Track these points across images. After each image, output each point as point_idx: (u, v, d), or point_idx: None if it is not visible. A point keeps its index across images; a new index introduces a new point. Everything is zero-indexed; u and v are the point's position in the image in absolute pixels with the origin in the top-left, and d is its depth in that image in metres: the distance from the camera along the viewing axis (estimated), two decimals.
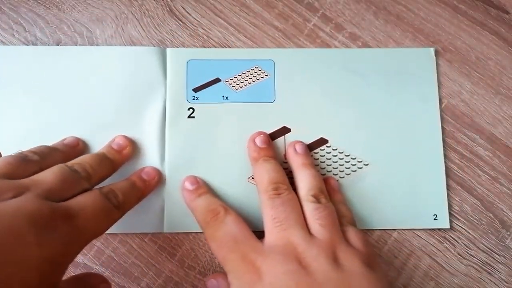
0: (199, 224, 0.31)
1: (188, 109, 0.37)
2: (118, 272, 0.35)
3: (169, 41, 0.38)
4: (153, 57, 0.37)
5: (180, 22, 0.39)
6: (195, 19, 0.39)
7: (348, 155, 0.36)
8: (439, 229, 0.35)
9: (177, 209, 0.35)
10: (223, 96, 0.37)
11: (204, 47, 0.38)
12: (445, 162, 0.37)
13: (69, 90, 0.36)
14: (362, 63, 0.38)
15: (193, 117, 0.36)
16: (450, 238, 0.35)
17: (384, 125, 0.37)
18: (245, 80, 0.37)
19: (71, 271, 0.34)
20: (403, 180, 0.36)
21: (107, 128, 0.35)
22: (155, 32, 0.38)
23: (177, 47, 0.38)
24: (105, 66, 0.36)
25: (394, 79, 0.38)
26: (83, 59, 0.37)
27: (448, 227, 0.35)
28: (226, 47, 0.38)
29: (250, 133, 0.36)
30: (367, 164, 0.36)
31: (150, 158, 0.35)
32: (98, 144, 0.35)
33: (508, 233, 0.36)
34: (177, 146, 0.36)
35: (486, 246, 0.35)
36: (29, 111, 0.36)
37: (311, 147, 0.36)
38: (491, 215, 0.36)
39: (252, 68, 0.38)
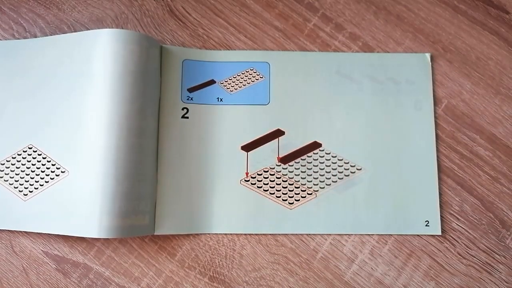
0: None
1: (182, 109, 0.37)
2: (118, 272, 0.35)
3: (169, 41, 0.38)
4: (150, 50, 0.35)
5: (180, 22, 0.39)
6: (195, 19, 0.39)
7: (341, 159, 0.36)
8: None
9: (168, 210, 0.35)
10: (218, 98, 0.37)
11: (204, 47, 0.38)
12: (445, 162, 0.37)
13: (53, 80, 0.36)
14: (356, 68, 0.38)
15: (187, 117, 0.36)
16: (450, 238, 0.35)
17: (377, 131, 0.37)
18: (240, 82, 0.37)
19: (71, 271, 0.35)
20: (396, 186, 0.36)
21: (98, 117, 0.33)
22: (155, 32, 0.38)
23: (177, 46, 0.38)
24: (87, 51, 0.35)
25: (388, 85, 0.38)
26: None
27: (440, 233, 0.35)
28: (226, 47, 0.38)
29: (244, 135, 0.36)
30: (360, 169, 0.36)
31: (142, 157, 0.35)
32: (87, 133, 0.33)
33: (508, 233, 0.36)
34: (169, 146, 0.36)
35: (486, 246, 0.35)
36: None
37: (304, 151, 0.36)
38: (491, 215, 0.36)
39: (247, 70, 0.38)
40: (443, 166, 0.36)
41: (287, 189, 0.36)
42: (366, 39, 0.39)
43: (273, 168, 0.36)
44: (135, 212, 0.33)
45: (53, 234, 0.35)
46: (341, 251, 0.35)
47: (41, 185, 0.35)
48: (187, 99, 0.37)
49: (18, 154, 0.35)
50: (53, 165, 0.35)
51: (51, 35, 0.38)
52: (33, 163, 0.35)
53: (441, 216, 0.36)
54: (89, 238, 0.35)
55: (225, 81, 0.37)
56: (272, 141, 0.37)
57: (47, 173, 0.35)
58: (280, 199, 0.36)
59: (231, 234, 0.35)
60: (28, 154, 0.35)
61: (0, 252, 0.35)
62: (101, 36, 0.34)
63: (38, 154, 0.35)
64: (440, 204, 0.36)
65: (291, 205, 0.36)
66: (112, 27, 0.38)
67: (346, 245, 0.35)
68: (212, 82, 0.37)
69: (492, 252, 0.35)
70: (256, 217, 0.35)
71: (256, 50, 0.38)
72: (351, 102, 0.37)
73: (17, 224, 0.35)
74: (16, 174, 0.35)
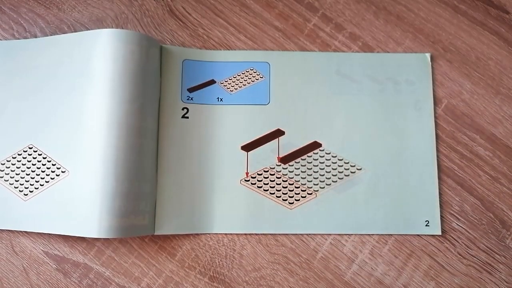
0: None
1: (182, 109, 0.37)
2: (118, 272, 0.35)
3: (169, 41, 0.38)
4: (150, 49, 0.35)
5: (180, 22, 0.39)
6: (195, 19, 0.39)
7: (341, 159, 0.36)
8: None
9: (168, 210, 0.35)
10: (218, 98, 0.37)
11: (204, 47, 0.38)
12: (445, 162, 0.37)
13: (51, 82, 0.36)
14: (356, 68, 0.38)
15: (187, 117, 0.36)
16: (450, 238, 0.35)
17: (377, 130, 0.37)
18: (240, 82, 0.37)
19: (71, 271, 0.35)
20: (396, 186, 0.36)
21: (95, 118, 0.33)
22: (155, 32, 0.38)
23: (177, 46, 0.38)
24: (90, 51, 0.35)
25: (388, 85, 0.38)
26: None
27: (440, 233, 0.35)
28: (226, 47, 0.38)
29: (244, 135, 0.36)
30: (360, 169, 0.36)
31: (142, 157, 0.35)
32: (87, 133, 0.33)
33: (508, 233, 0.36)
34: (169, 146, 0.36)
35: (486, 246, 0.35)
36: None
37: (304, 151, 0.36)
38: (491, 215, 0.36)
39: (247, 70, 0.38)
40: (443, 166, 0.37)
41: (287, 189, 0.36)
42: (366, 39, 0.39)
43: (273, 168, 0.36)
44: (135, 212, 0.33)
45: (53, 234, 0.35)
46: (341, 251, 0.35)
47: (41, 185, 0.35)
48: (187, 99, 0.37)
49: (18, 154, 0.35)
50: (53, 165, 0.35)
51: (51, 35, 0.38)
52: (33, 163, 0.35)
53: (441, 216, 0.36)
54: (89, 238, 0.35)
55: (225, 81, 0.37)
56: (272, 141, 0.37)
57: (47, 173, 0.35)
58: (280, 199, 0.36)
59: (231, 234, 0.35)
60: (28, 154, 0.35)
61: (0, 252, 0.35)
62: (101, 36, 0.34)
63: (38, 154, 0.35)
64: (440, 204, 0.36)
65: (291, 205, 0.36)
66: (112, 27, 0.38)
67: (346, 245, 0.35)
68: (212, 82, 0.37)
69: (492, 252, 0.35)
70: (256, 217, 0.35)
71: (256, 50, 0.38)
72: (351, 102, 0.37)
73: (17, 224, 0.35)
74: (16, 174, 0.35)
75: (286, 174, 0.36)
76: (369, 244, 0.35)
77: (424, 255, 0.35)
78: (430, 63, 0.38)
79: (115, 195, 0.32)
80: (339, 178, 0.36)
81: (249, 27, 0.39)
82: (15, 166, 0.35)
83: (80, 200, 0.33)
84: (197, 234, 0.35)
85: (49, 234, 0.35)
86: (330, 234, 0.35)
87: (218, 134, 0.36)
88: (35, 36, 0.38)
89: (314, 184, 0.36)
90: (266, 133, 0.37)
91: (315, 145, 0.37)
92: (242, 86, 0.37)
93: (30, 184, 0.35)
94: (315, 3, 0.39)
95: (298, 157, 0.36)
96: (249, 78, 0.38)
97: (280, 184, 0.36)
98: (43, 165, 0.35)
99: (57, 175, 0.34)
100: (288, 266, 0.35)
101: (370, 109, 0.37)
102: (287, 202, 0.36)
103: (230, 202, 0.35)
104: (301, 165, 0.36)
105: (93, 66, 0.34)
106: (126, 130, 0.33)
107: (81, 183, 0.33)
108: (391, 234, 0.35)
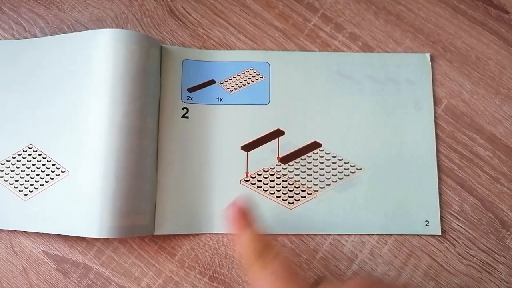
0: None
1: (182, 109, 0.37)
2: (118, 272, 0.35)
3: (169, 41, 0.38)
4: (151, 49, 0.36)
5: (180, 22, 0.39)
6: (195, 19, 0.39)
7: (341, 159, 0.36)
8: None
9: (168, 210, 0.35)
10: (218, 98, 0.37)
11: (204, 47, 0.38)
12: (445, 162, 0.37)
13: (53, 82, 0.36)
14: (356, 68, 0.38)
15: (187, 117, 0.36)
16: (450, 238, 0.35)
17: (377, 131, 0.37)
18: (240, 82, 0.37)
19: (71, 271, 0.35)
20: (396, 186, 0.36)
21: (97, 119, 0.33)
22: (155, 32, 0.38)
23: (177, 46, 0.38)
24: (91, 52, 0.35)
25: (388, 85, 0.38)
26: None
27: (440, 233, 0.35)
28: (226, 47, 0.38)
29: (244, 135, 0.37)
30: (360, 169, 0.36)
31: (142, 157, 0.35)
32: (87, 133, 0.33)
33: (508, 233, 0.36)
34: (169, 146, 0.36)
35: (486, 246, 0.35)
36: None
37: (304, 151, 0.36)
38: (491, 215, 0.36)
39: (247, 70, 0.38)
40: (443, 166, 0.37)
41: (287, 189, 0.36)
42: (366, 39, 0.39)
43: (273, 168, 0.36)
44: (135, 212, 0.33)
45: (53, 234, 0.35)
46: (341, 251, 0.35)
47: (41, 185, 0.35)
48: (187, 99, 0.37)
49: (18, 154, 0.35)
50: (53, 165, 0.35)
51: (51, 35, 0.38)
52: (33, 163, 0.35)
53: (441, 216, 0.36)
54: (89, 238, 0.35)
55: (225, 81, 0.37)
56: (272, 141, 0.37)
57: (47, 173, 0.35)
58: (280, 199, 0.36)
59: (231, 234, 0.35)
60: (28, 154, 0.35)
61: (0, 252, 0.35)
62: (101, 36, 0.34)
63: (38, 154, 0.35)
64: (440, 204, 0.36)
65: (291, 205, 0.36)
66: (112, 27, 0.38)
67: (346, 245, 0.35)
68: (212, 82, 0.37)
69: (492, 252, 0.35)
70: (256, 217, 0.35)
71: (256, 50, 0.38)
72: (351, 102, 0.37)
73: (17, 224, 0.35)
74: (16, 174, 0.35)
75: (286, 174, 0.36)
76: (369, 244, 0.35)
77: (424, 255, 0.35)
78: (430, 63, 0.38)
79: (115, 195, 0.32)
80: (339, 178, 0.36)
81: (249, 27, 0.39)
82: (15, 166, 0.35)
83: (80, 200, 0.33)
84: (197, 234, 0.35)
85: (49, 234, 0.35)
86: (330, 234, 0.35)
87: (218, 134, 0.36)
88: (35, 36, 0.38)
89: (314, 184, 0.36)
90: (266, 133, 0.37)
91: (315, 145, 0.37)
92: (242, 86, 0.37)
93: (30, 184, 0.35)
94: (315, 3, 0.39)
95: (298, 157, 0.36)
96: (249, 78, 0.38)
97: (280, 184, 0.36)
98: (43, 165, 0.35)
99: (57, 175, 0.34)
100: None
101: (370, 109, 0.37)
102: (287, 202, 0.36)
103: (230, 202, 0.35)
104: (301, 165, 0.36)
105: (93, 66, 0.34)
106: (126, 130, 0.33)
107: (81, 183, 0.33)
108: (391, 234, 0.35)
